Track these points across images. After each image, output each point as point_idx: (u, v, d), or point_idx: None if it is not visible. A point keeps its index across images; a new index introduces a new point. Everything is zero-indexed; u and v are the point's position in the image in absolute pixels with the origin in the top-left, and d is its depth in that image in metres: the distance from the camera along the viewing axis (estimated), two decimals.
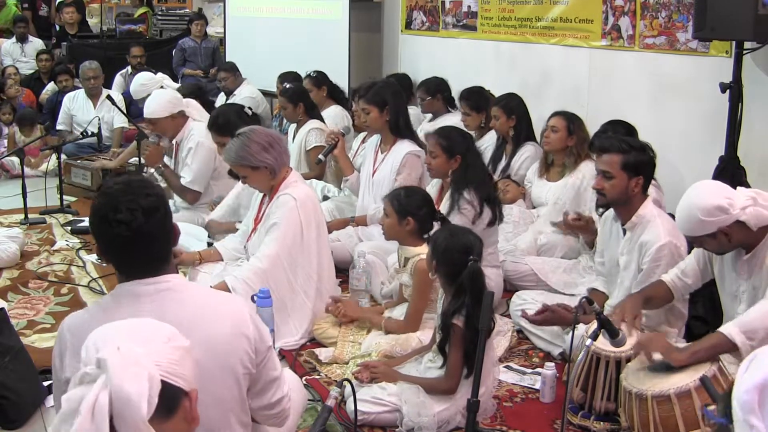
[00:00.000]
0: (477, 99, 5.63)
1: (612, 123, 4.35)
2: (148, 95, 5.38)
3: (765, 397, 1.26)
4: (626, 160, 3.25)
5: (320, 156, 5.16)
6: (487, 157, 5.28)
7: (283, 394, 2.20)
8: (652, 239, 3.22)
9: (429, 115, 6.30)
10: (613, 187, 3.28)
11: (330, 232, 4.48)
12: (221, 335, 1.99)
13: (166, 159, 5.32)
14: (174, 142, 5.27)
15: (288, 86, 5.97)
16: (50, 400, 3.20)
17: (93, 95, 7.53)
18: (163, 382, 1.41)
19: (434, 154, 4.03)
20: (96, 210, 1.99)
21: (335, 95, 6.55)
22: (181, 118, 5.20)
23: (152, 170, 5.48)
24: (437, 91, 6.15)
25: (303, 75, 6.55)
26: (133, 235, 1.94)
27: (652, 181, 3.97)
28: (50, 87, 8.60)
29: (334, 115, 6.19)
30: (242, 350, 2.02)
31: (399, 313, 3.67)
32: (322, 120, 5.79)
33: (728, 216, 2.77)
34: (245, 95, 7.37)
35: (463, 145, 4.03)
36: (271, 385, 2.15)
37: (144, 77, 6.38)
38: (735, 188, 2.89)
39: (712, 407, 2.37)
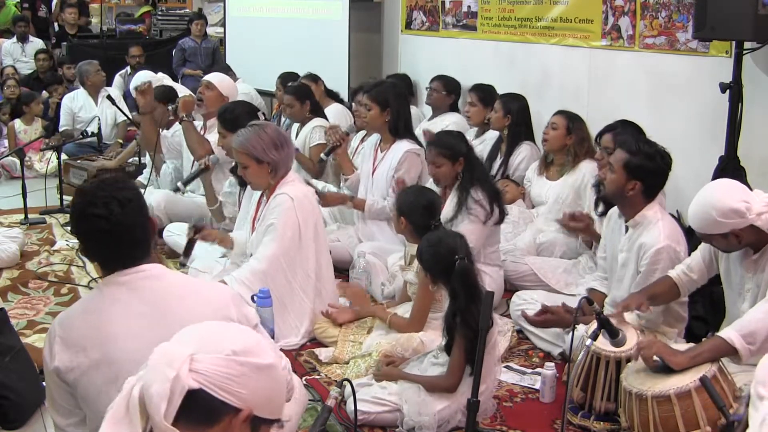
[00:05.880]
0: (486, 94, 5.65)
1: (622, 123, 4.29)
2: None
3: None
4: (629, 161, 3.26)
5: (322, 155, 5.15)
6: (485, 154, 5.30)
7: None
8: (650, 241, 3.22)
9: (428, 115, 6.31)
10: (610, 182, 3.32)
11: (327, 206, 4.47)
12: (202, 317, 1.96)
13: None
14: (201, 125, 5.32)
15: (294, 84, 5.98)
16: None
17: (92, 93, 7.57)
18: (202, 391, 1.38)
19: (438, 163, 4.00)
20: (74, 209, 2.09)
21: (331, 95, 6.56)
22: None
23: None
24: (453, 91, 6.20)
25: (302, 75, 6.55)
26: (112, 226, 2.00)
27: None
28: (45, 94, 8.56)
29: (336, 113, 6.18)
30: None
31: (401, 313, 3.66)
32: (326, 119, 5.79)
33: (743, 220, 2.76)
34: (240, 91, 7.34)
35: (463, 146, 4.04)
36: None
37: (144, 75, 6.38)
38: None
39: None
